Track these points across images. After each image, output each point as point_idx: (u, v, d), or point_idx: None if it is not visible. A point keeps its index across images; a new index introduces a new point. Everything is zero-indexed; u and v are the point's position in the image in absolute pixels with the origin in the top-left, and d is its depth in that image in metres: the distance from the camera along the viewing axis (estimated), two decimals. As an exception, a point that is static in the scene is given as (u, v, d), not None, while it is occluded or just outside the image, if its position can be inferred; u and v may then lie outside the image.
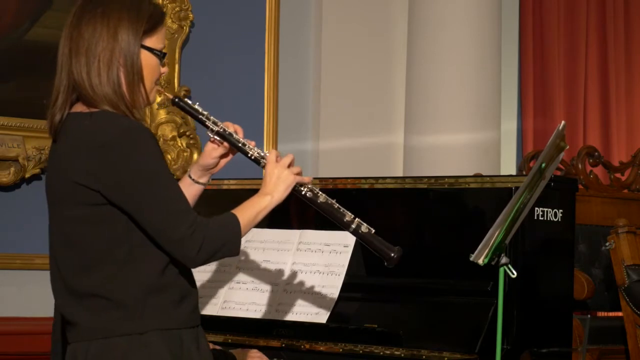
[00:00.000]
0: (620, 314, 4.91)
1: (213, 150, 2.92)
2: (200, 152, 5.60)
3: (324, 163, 6.04)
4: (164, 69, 2.76)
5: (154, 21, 2.69)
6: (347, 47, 6.19)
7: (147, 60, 2.68)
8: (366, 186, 3.87)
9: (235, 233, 2.66)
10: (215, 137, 2.89)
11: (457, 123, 5.92)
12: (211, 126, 2.88)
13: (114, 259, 2.60)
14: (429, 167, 5.79)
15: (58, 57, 2.71)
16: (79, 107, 2.67)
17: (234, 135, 2.89)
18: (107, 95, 2.62)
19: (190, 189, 2.93)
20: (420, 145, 5.98)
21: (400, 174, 6.07)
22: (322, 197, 2.91)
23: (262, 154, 2.87)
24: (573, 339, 3.96)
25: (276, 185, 2.79)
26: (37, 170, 5.14)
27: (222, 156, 2.94)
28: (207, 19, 5.71)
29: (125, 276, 2.60)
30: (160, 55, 2.70)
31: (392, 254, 2.93)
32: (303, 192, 2.88)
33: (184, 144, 5.60)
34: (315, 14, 6.15)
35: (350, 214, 2.93)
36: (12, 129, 5.11)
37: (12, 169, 5.11)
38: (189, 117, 5.55)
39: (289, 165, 2.83)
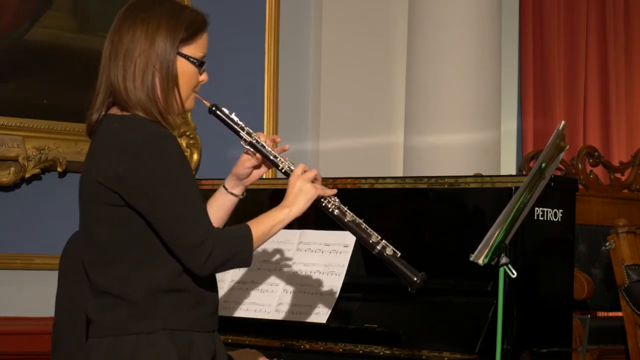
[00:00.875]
0: (620, 314, 4.91)
1: (247, 161, 2.93)
2: (200, 151, 5.60)
3: (324, 163, 6.03)
4: (204, 76, 2.80)
5: (193, 29, 2.74)
6: (347, 47, 6.19)
7: (184, 67, 2.72)
8: (366, 186, 3.87)
9: (246, 245, 2.68)
10: (249, 147, 2.90)
11: (457, 123, 5.92)
12: (245, 137, 2.90)
13: (129, 259, 2.64)
14: (429, 167, 5.79)
15: (101, 59, 2.74)
16: (114, 110, 2.72)
17: (266, 147, 2.90)
18: (140, 99, 2.67)
19: (225, 200, 2.95)
20: (420, 145, 5.98)
21: (400, 174, 6.07)
22: (349, 216, 2.91)
23: (293, 168, 2.87)
24: (573, 339, 3.96)
25: (296, 198, 2.80)
26: (37, 170, 5.14)
27: (256, 167, 2.95)
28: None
29: (139, 277, 2.64)
30: (197, 63, 2.74)
31: (416, 279, 2.92)
32: (330, 210, 2.89)
33: (184, 144, 5.60)
34: (315, 14, 6.15)
35: (376, 235, 2.93)
36: (12, 129, 5.11)
37: (12, 169, 5.11)
38: (190, 117, 5.60)
39: (314, 180, 2.84)
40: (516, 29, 7.03)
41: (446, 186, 3.71)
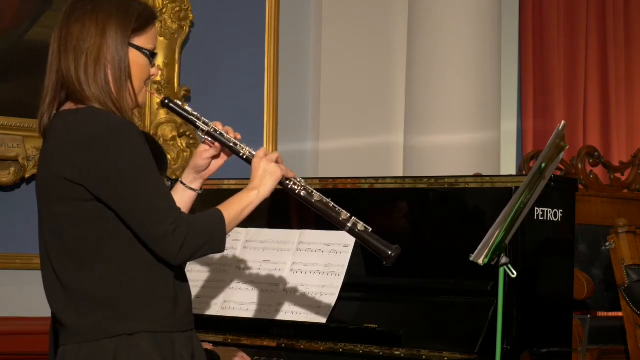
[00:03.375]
0: (620, 314, 4.91)
1: (204, 152, 2.88)
2: (199, 152, 5.60)
3: (324, 163, 6.04)
4: (154, 70, 2.74)
5: (143, 20, 2.68)
6: (347, 47, 6.19)
7: (136, 59, 2.66)
8: (366, 186, 3.87)
9: (219, 230, 2.63)
10: (207, 137, 2.86)
11: (457, 123, 5.92)
12: (202, 126, 2.85)
13: (103, 258, 2.58)
14: (429, 167, 5.79)
15: (48, 56, 2.70)
16: (68, 106, 2.66)
17: (225, 135, 2.86)
18: (94, 92, 2.61)
19: (183, 196, 2.90)
20: (420, 145, 5.98)
21: (400, 174, 6.07)
22: (316, 196, 2.88)
23: (254, 153, 2.84)
24: (573, 339, 3.96)
25: (262, 179, 2.77)
26: (37, 170, 5.14)
27: (214, 158, 2.90)
28: (207, 19, 5.71)
29: (115, 276, 2.58)
30: (149, 54, 2.69)
31: (390, 252, 2.90)
32: (297, 191, 2.86)
33: (184, 144, 5.61)
34: (315, 14, 6.15)
35: (345, 212, 2.90)
36: (12, 129, 5.11)
37: (12, 169, 5.11)
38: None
39: (277, 161, 2.80)
40: (516, 29, 7.03)
41: (446, 186, 3.71)
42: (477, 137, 5.92)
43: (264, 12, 5.92)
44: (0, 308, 5.07)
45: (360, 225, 2.91)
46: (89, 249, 2.58)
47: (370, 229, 2.92)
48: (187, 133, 5.59)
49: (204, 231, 2.60)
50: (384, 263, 2.92)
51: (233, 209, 2.69)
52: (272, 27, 5.93)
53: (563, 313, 3.75)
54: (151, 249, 2.58)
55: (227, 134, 2.87)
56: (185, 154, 5.58)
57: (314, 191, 2.89)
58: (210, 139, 2.87)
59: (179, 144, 5.60)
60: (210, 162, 2.91)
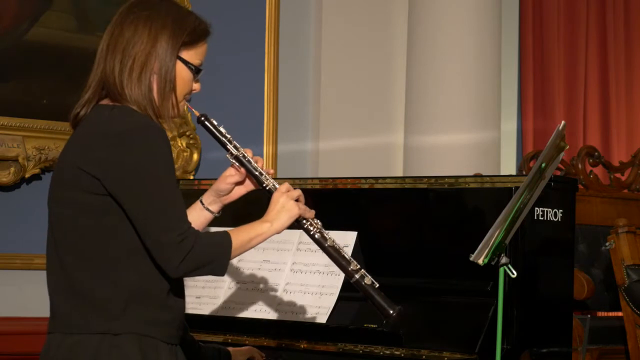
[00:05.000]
0: (620, 314, 4.91)
1: (230, 176, 2.87)
2: (200, 151, 5.61)
3: (324, 163, 6.04)
4: (197, 86, 2.75)
5: (196, 35, 2.72)
6: (347, 47, 6.19)
7: (181, 72, 2.68)
8: (366, 186, 3.87)
9: (224, 253, 2.62)
10: (234, 161, 2.85)
11: (457, 123, 5.92)
12: (231, 150, 2.84)
13: (102, 255, 2.58)
14: (429, 167, 5.79)
15: (97, 53, 2.70)
16: (105, 102, 2.66)
17: (252, 162, 2.84)
18: (136, 96, 2.61)
19: (200, 215, 2.88)
20: (420, 145, 5.99)
21: (400, 174, 6.07)
22: (329, 241, 2.84)
23: (277, 186, 2.81)
24: (573, 339, 3.96)
25: (279, 214, 2.74)
26: (37, 170, 5.14)
27: (238, 184, 2.88)
28: (207, 19, 5.70)
29: (110, 276, 2.58)
30: (194, 70, 2.70)
31: (392, 312, 2.85)
32: (312, 233, 2.82)
33: (184, 144, 5.61)
34: (315, 14, 6.15)
35: (355, 263, 2.86)
36: (12, 129, 5.11)
37: (12, 169, 5.11)
38: (190, 117, 5.60)
39: (297, 200, 2.78)
40: (516, 29, 7.03)
41: (446, 186, 3.71)
42: (477, 137, 5.92)
43: (264, 12, 5.92)
44: (0, 308, 5.07)
45: (368, 279, 2.86)
46: (89, 243, 2.58)
47: (377, 285, 2.87)
48: (187, 133, 5.59)
49: (209, 251, 2.59)
50: (384, 322, 2.89)
51: (242, 236, 2.67)
52: (272, 27, 5.93)
53: (563, 313, 3.75)
54: (152, 256, 2.57)
55: (256, 162, 2.85)
56: (185, 154, 5.58)
57: (329, 236, 2.85)
58: (237, 163, 2.85)
59: (179, 144, 5.60)
60: (234, 187, 2.89)
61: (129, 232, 2.57)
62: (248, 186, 2.89)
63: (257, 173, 2.84)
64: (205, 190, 2.95)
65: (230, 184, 2.88)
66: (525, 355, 3.54)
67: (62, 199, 2.63)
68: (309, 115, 6.13)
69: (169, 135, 5.53)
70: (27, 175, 5.14)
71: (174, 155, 5.55)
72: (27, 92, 5.14)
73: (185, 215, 2.59)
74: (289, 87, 6.02)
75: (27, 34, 5.15)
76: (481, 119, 5.96)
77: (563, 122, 3.19)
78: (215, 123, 2.87)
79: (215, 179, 2.92)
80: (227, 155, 2.85)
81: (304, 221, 2.81)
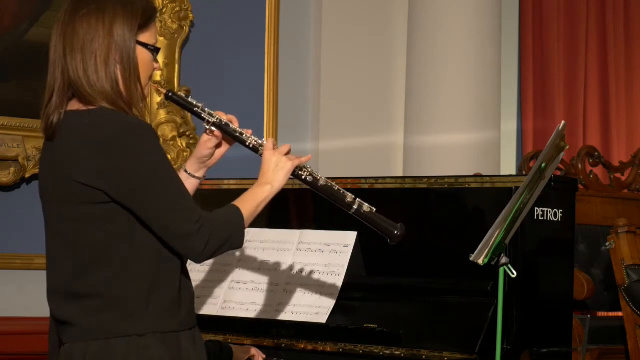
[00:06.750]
0: (620, 314, 4.91)
1: (208, 141, 2.90)
2: (200, 152, 5.60)
3: (324, 163, 6.04)
4: (157, 65, 2.74)
5: (147, 16, 2.67)
6: (347, 47, 6.19)
7: (142, 55, 2.66)
8: (366, 186, 3.87)
9: (239, 226, 2.65)
10: (212, 128, 2.87)
11: (457, 123, 5.92)
12: (207, 117, 2.86)
13: (113, 258, 2.58)
14: (429, 167, 5.79)
15: (50, 55, 2.69)
16: (75, 105, 2.64)
17: (231, 125, 2.88)
18: (105, 92, 2.60)
19: (187, 184, 2.88)
20: (420, 145, 5.99)
21: (400, 174, 6.08)
22: (322, 180, 2.90)
23: (260, 142, 2.85)
24: (573, 339, 3.96)
25: (275, 173, 2.77)
26: (37, 170, 5.13)
27: (217, 147, 2.92)
28: (207, 19, 5.71)
29: (124, 276, 2.58)
30: (154, 50, 2.69)
31: (396, 232, 2.92)
32: (303, 177, 2.87)
33: (184, 144, 5.61)
34: (315, 14, 6.15)
35: (351, 195, 2.92)
36: (12, 129, 5.11)
37: (12, 169, 5.11)
38: (190, 117, 5.60)
39: (286, 154, 2.81)
40: (516, 29, 7.03)
41: (446, 186, 3.71)
42: (477, 137, 5.92)
43: (264, 12, 5.92)
44: (0, 308, 5.07)
45: (366, 207, 2.93)
46: (99, 251, 2.58)
47: (375, 210, 2.93)
48: (187, 133, 5.59)
49: (226, 229, 2.62)
50: (389, 242, 2.93)
51: (250, 204, 2.70)
52: (272, 27, 5.93)
53: (563, 313, 3.75)
54: (174, 248, 2.59)
55: (232, 123, 2.88)
56: (185, 153, 5.58)
57: (320, 175, 2.90)
58: (215, 129, 2.87)
59: (179, 144, 5.60)
60: (214, 151, 2.92)
61: (133, 233, 2.58)
62: (226, 146, 2.94)
63: (237, 134, 2.87)
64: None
65: (210, 149, 2.91)
66: (525, 355, 3.54)
67: (60, 215, 2.61)
68: (309, 115, 6.13)
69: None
70: (27, 175, 5.14)
71: (175, 155, 5.56)
72: (27, 92, 5.14)
73: (194, 202, 2.62)
74: (289, 87, 6.02)
75: (27, 34, 5.16)
76: (481, 119, 5.96)
77: (563, 122, 3.19)
78: (183, 95, 2.90)
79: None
80: (204, 124, 2.88)
81: (296, 169, 2.85)
